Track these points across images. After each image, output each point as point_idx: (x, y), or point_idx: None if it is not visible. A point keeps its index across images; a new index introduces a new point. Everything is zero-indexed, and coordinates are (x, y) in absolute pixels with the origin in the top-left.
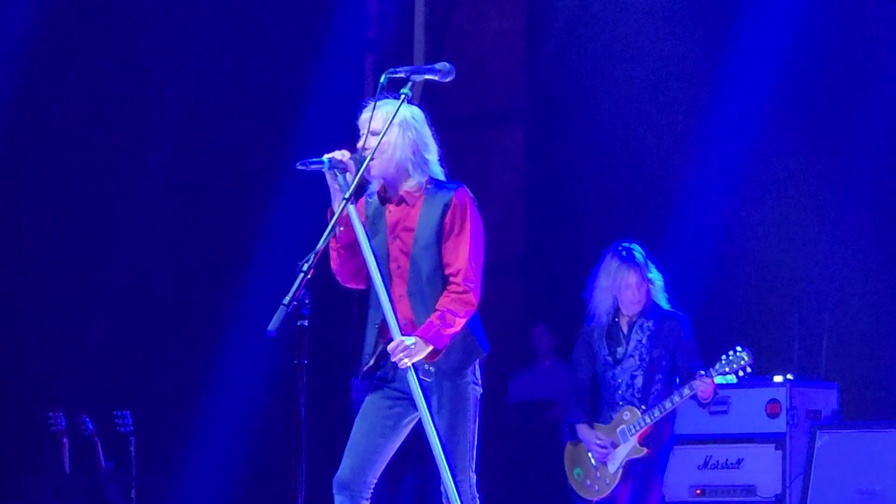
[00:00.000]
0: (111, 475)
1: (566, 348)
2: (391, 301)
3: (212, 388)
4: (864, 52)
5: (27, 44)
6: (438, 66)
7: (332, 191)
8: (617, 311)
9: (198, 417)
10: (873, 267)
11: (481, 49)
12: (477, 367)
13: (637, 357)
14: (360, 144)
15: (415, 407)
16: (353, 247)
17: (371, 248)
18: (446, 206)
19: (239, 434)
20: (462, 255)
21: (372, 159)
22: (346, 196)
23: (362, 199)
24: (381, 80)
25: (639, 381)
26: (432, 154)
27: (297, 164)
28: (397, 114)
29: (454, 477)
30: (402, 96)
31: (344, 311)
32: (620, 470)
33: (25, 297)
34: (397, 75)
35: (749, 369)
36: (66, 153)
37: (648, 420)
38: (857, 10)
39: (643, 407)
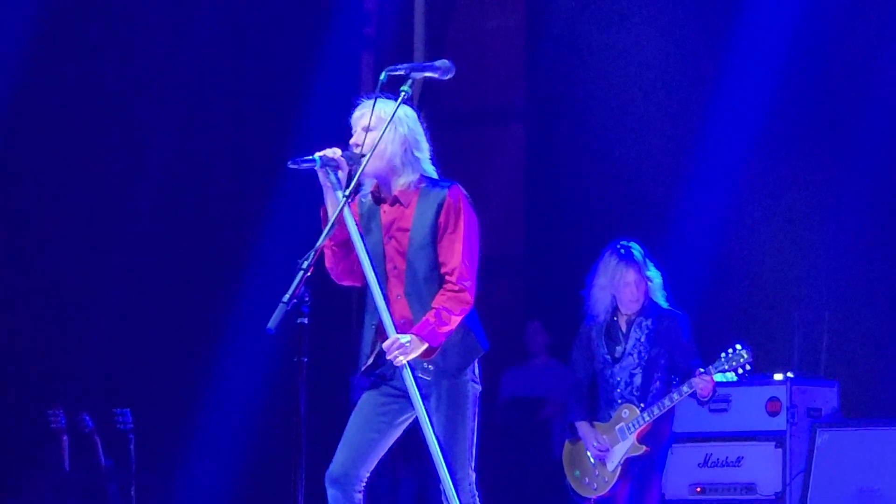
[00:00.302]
0: (111, 473)
1: (563, 347)
2: (388, 301)
3: (212, 385)
4: (865, 51)
5: (27, 43)
6: (438, 63)
7: (324, 189)
8: (615, 309)
9: (198, 415)
10: (874, 265)
11: (481, 47)
12: (476, 365)
13: (636, 356)
14: (352, 141)
15: (412, 405)
16: (346, 245)
17: (365, 247)
18: (440, 205)
19: (239, 432)
20: (456, 254)
21: (366, 156)
22: (346, 193)
23: (356, 198)
24: (381, 77)
25: (637, 380)
26: (424, 152)
27: (289, 162)
28: (391, 110)
29: (454, 476)
30: (402, 93)
31: (344, 309)
32: (619, 468)
33: (25, 295)
34: (397, 73)
35: (748, 367)
36: (65, 152)
37: (647, 418)
38: (858, 10)
39: (642, 405)
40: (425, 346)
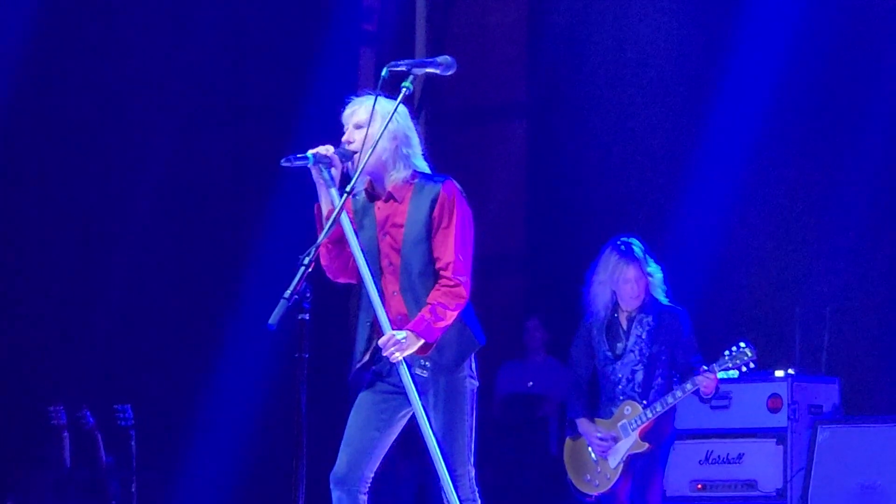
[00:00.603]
0: (112, 469)
1: (564, 344)
2: (384, 297)
3: (213, 382)
4: (866, 51)
5: (26, 44)
6: (440, 59)
7: (317, 186)
8: (615, 306)
9: (199, 412)
10: (875, 262)
11: (483, 43)
12: (472, 360)
13: (637, 352)
14: (344, 138)
15: (409, 401)
16: (341, 241)
17: (360, 244)
18: (434, 200)
19: (240, 428)
20: (450, 249)
21: (360, 152)
22: (347, 189)
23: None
24: (383, 73)
25: (639, 377)
26: (415, 147)
27: (283, 160)
28: (384, 106)
29: (453, 472)
30: (403, 90)
31: (344, 305)
32: (621, 465)
33: (26, 292)
34: (398, 69)
35: (752, 365)
36: (66, 148)
37: (650, 415)
38: (858, 10)
39: (644, 402)
40: (421, 342)
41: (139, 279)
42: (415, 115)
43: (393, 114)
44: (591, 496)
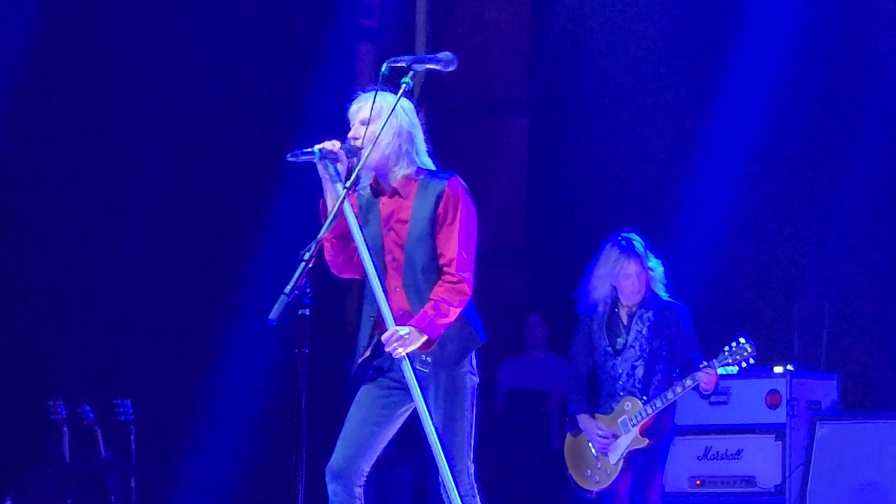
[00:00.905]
0: (111, 464)
1: (564, 340)
2: (387, 293)
3: (213, 377)
4: (866, 48)
5: (26, 43)
6: (440, 55)
7: (323, 181)
8: (616, 301)
9: (198, 407)
10: (874, 258)
11: (484, 38)
12: (473, 356)
13: (637, 348)
14: (350, 134)
15: (410, 397)
16: (345, 237)
17: (364, 239)
18: (439, 197)
19: (240, 424)
20: (454, 245)
21: (365, 147)
22: (347, 186)
23: (355, 191)
24: (383, 69)
25: (639, 372)
26: (421, 144)
27: (288, 155)
28: (389, 103)
29: (452, 467)
30: (403, 85)
31: (345, 301)
32: (621, 461)
33: (26, 286)
34: (399, 65)
35: (752, 360)
36: (65, 140)
37: (650, 411)
38: (858, 9)
39: (644, 398)
40: (424, 337)
41: (139, 274)
42: (416, 111)
43: (393, 109)
44: (591, 492)
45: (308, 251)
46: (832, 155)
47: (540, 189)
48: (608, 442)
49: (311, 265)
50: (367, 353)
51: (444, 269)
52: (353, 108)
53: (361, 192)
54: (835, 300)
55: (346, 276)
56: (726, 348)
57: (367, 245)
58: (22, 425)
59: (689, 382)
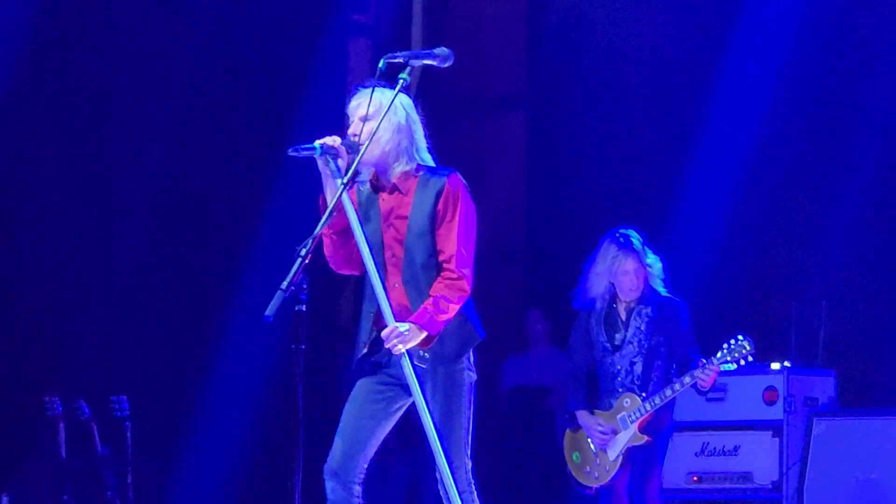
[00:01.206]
0: (107, 460)
1: (562, 335)
2: (386, 289)
3: (209, 373)
4: (865, 47)
5: (24, 42)
6: (437, 51)
7: (323, 177)
8: (614, 297)
9: (195, 403)
10: (871, 254)
11: (481, 34)
12: (471, 353)
13: (636, 344)
14: (350, 131)
15: (407, 393)
16: (345, 232)
17: (364, 235)
18: (439, 193)
19: (236, 420)
20: (454, 241)
21: (364, 144)
22: (345, 181)
23: (354, 187)
24: (380, 65)
25: (638, 368)
26: (421, 141)
27: (289, 150)
28: (388, 99)
29: (450, 463)
30: (400, 81)
31: (341, 297)
32: (620, 457)
33: (22, 282)
34: (396, 60)
35: (751, 358)
36: (63, 136)
37: (649, 407)
38: (858, 8)
39: (643, 394)
40: (424, 334)
41: (136, 270)
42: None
43: (390, 106)
44: (590, 488)
45: (305, 247)
46: (830, 153)
47: (538, 185)
48: (608, 438)
49: (307, 261)
50: (366, 350)
51: (444, 265)
52: (353, 104)
53: (361, 188)
54: (832, 297)
55: (345, 272)
56: (725, 346)
57: (367, 241)
58: (18, 421)
59: (687, 380)
